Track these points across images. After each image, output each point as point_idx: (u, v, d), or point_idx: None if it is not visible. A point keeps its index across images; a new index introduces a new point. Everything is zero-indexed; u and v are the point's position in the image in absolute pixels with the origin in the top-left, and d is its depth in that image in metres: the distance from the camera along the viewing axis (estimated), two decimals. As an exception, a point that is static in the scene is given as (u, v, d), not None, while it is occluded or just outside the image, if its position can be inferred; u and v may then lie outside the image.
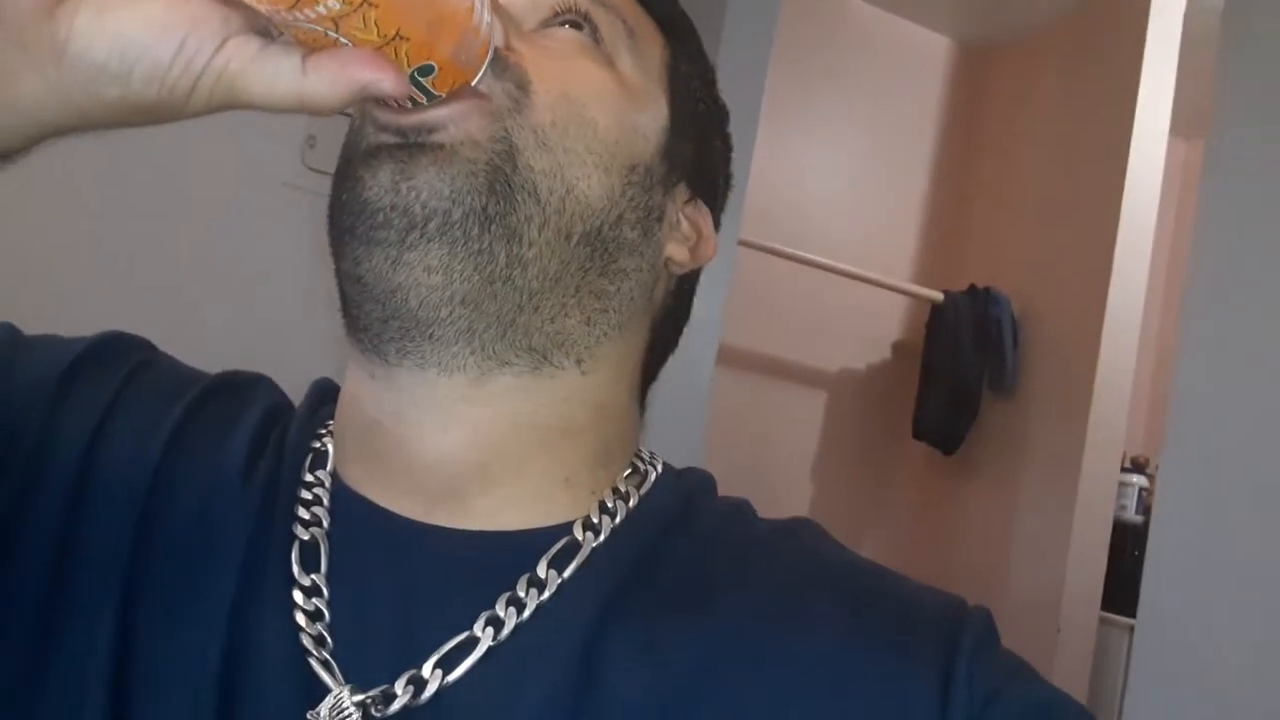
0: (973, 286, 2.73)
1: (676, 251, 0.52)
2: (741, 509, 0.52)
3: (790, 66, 2.61)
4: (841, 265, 2.65)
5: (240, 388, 0.54)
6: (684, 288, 0.55)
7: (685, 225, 0.53)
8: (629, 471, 0.51)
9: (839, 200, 2.86)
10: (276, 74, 0.38)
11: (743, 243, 2.26)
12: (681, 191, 0.53)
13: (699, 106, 0.55)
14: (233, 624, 0.44)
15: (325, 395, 0.53)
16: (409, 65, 0.40)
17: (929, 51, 3.00)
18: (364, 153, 0.45)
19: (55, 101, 0.37)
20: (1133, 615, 1.43)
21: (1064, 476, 2.49)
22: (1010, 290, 2.68)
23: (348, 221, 0.45)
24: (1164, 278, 2.85)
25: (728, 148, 0.58)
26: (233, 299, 1.68)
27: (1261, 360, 1.29)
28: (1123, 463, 2.58)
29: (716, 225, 0.56)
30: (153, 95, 0.37)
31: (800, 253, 2.60)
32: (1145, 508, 2.58)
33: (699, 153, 0.54)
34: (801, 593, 0.46)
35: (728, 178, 0.59)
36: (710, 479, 0.54)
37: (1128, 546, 2.45)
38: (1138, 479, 2.64)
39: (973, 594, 0.48)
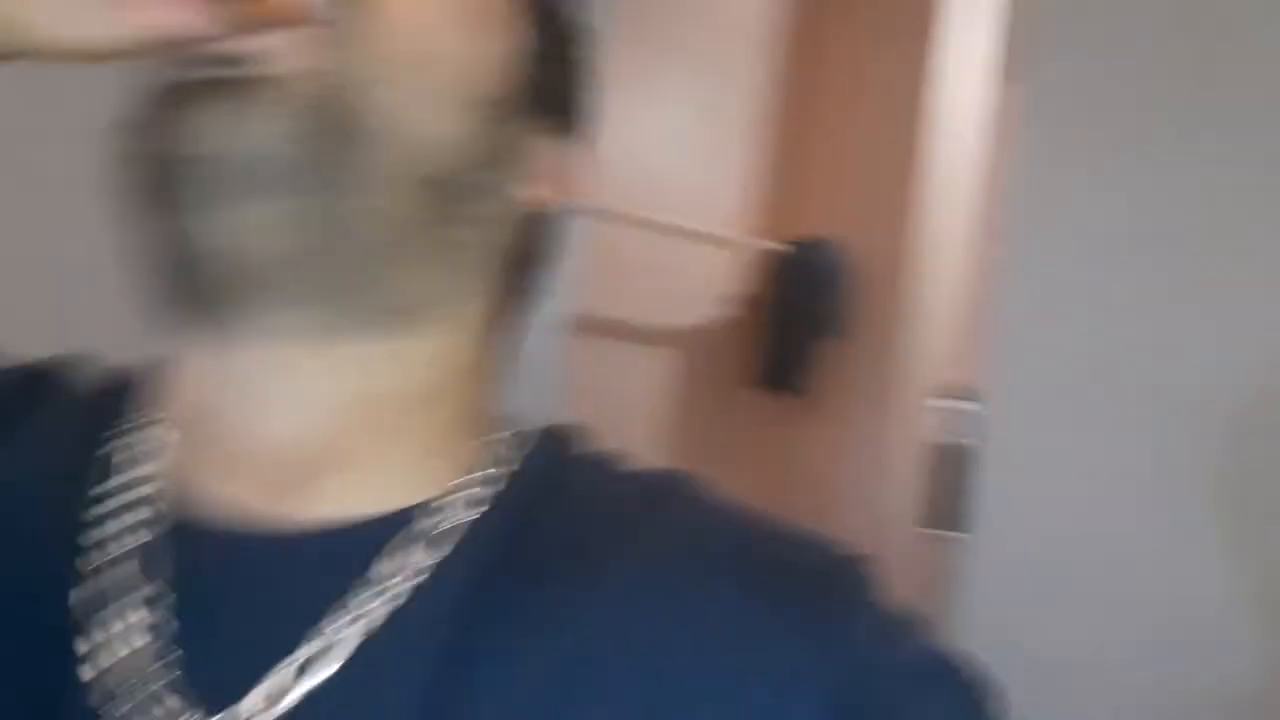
0: (806, 236, 2.85)
1: (536, 192, 0.47)
2: (612, 464, 0.48)
3: (622, 30, 2.62)
4: (677, 222, 2.71)
5: (23, 394, 0.47)
6: (546, 232, 0.50)
7: (543, 163, 0.47)
8: (494, 438, 0.46)
9: (674, 159, 2.90)
10: (65, 12, 0.35)
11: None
12: (538, 126, 0.47)
13: (556, 30, 0.49)
14: (67, 638, 0.40)
15: (123, 385, 0.47)
16: None
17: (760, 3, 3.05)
18: (175, 90, 0.39)
19: None
20: (961, 531, 1.58)
21: (888, 407, 2.71)
22: (842, 237, 2.81)
23: (162, 176, 0.39)
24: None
25: (590, 73, 0.51)
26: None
27: (1070, 281, 1.47)
28: (953, 391, 2.78)
29: (578, 167, 0.50)
30: None
31: (637, 213, 2.64)
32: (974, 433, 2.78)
33: (557, 83, 0.48)
34: (682, 566, 0.43)
35: (594, 107, 0.52)
36: (580, 431, 0.50)
37: (957, 468, 2.64)
38: (966, 405, 2.84)
39: (813, 524, 0.48)
